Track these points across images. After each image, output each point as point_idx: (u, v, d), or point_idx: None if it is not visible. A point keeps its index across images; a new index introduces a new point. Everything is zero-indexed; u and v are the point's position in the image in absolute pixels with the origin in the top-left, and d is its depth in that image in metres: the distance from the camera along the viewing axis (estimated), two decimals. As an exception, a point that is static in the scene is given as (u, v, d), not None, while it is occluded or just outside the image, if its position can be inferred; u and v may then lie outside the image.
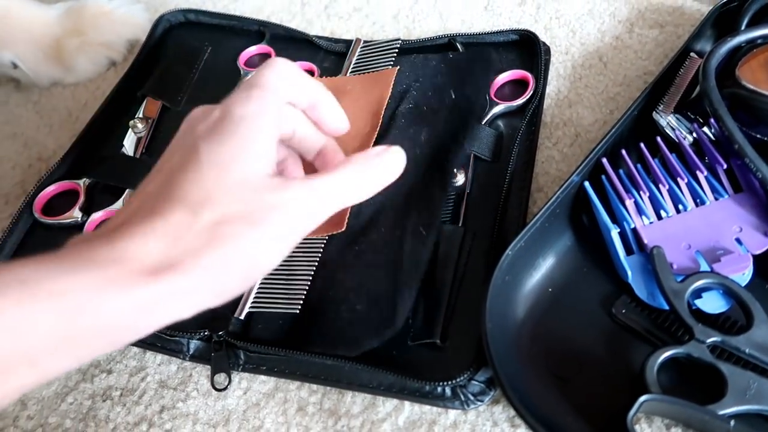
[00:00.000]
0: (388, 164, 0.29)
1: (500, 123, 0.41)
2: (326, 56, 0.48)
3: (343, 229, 0.35)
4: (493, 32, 0.45)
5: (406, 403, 0.32)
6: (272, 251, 0.26)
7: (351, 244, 0.35)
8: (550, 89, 0.43)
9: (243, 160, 0.26)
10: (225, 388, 0.34)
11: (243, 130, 0.26)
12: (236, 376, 0.34)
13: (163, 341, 0.35)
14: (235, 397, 0.34)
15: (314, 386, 0.33)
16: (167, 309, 0.23)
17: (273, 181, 0.26)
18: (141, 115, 0.46)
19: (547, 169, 0.39)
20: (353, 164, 0.28)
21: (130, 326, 0.23)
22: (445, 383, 0.30)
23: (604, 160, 0.34)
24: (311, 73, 0.47)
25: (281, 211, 0.25)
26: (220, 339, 0.34)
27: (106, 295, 0.22)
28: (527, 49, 0.44)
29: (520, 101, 0.41)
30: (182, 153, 0.27)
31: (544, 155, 0.40)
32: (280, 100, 0.28)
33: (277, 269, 0.36)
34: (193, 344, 0.35)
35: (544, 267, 0.33)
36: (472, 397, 0.30)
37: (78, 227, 0.40)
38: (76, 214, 0.40)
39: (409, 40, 0.46)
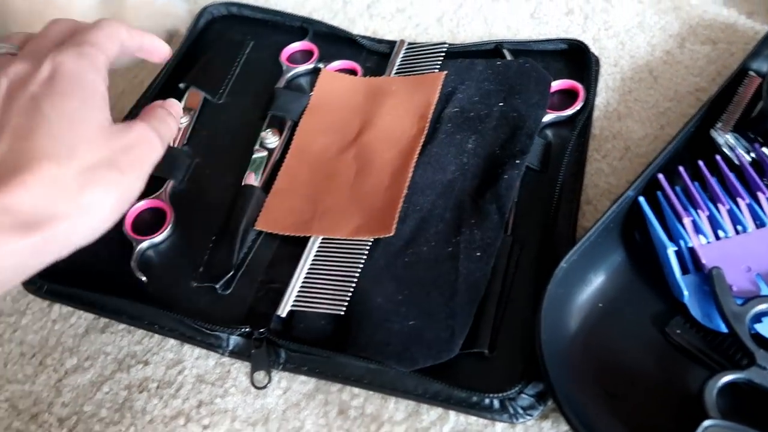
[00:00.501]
0: (173, 106, 0.35)
1: (548, 132, 0.41)
2: (369, 56, 0.47)
3: (391, 234, 0.35)
4: (542, 40, 0.45)
5: (451, 413, 0.31)
6: (137, 185, 0.30)
7: (399, 252, 0.35)
8: (599, 101, 0.43)
9: (91, 112, 0.29)
10: (264, 387, 0.33)
11: (83, 84, 0.29)
12: (276, 375, 0.34)
13: (202, 335, 0.35)
14: (274, 396, 0.33)
15: (356, 390, 0.33)
16: (49, 253, 0.27)
17: (119, 126, 0.30)
18: (183, 106, 0.45)
19: (596, 182, 0.39)
20: (159, 106, 0.33)
21: (15, 271, 0.26)
22: (494, 395, 0.29)
23: (661, 176, 0.34)
24: (354, 72, 0.46)
25: (137, 149, 0.30)
26: (261, 336, 0.34)
27: None
28: (575, 59, 0.44)
29: (569, 112, 0.40)
30: (22, 112, 0.28)
31: (593, 168, 0.39)
32: (109, 56, 0.31)
33: (319, 269, 0.36)
34: (233, 340, 0.35)
35: (595, 282, 0.33)
36: (521, 411, 0.30)
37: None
38: None
39: (454, 44, 0.46)
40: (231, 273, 0.36)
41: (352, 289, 0.34)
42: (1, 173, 0.26)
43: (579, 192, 0.37)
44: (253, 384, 0.33)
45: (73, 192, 0.27)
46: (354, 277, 0.34)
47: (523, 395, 0.30)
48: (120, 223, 0.38)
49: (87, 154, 0.28)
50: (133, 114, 0.45)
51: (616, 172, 0.39)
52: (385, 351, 0.31)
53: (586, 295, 0.32)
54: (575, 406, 0.27)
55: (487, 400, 0.30)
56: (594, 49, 0.46)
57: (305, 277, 0.35)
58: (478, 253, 0.33)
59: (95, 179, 0.28)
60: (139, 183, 0.30)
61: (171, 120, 0.34)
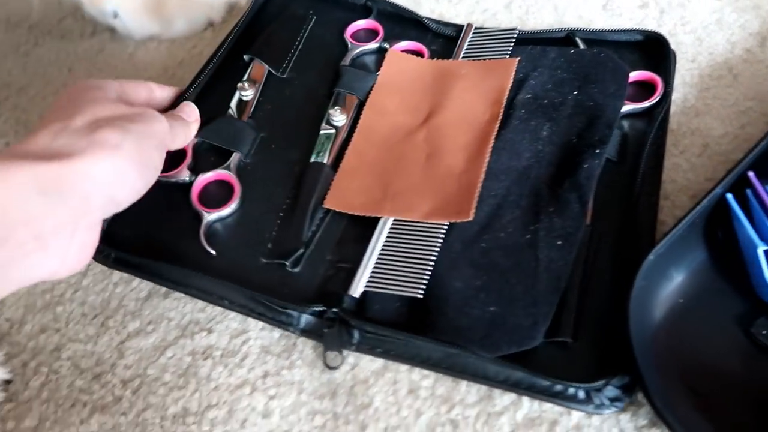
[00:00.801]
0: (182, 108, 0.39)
1: (624, 123, 0.40)
2: (434, 39, 0.47)
3: (470, 218, 0.34)
4: (616, 30, 0.44)
5: (525, 399, 0.31)
6: (149, 140, 0.32)
7: (476, 237, 0.34)
8: (677, 96, 0.42)
9: (96, 91, 0.33)
10: (337, 367, 0.33)
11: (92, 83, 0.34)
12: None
13: (273, 312, 0.34)
14: (342, 371, 0.33)
15: (426, 371, 0.32)
16: (72, 185, 0.28)
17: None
18: (247, 78, 0.45)
19: (674, 177, 0.38)
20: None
21: (41, 197, 0.27)
22: (579, 385, 0.29)
23: (752, 174, 0.33)
24: (420, 54, 0.45)
25: (141, 114, 0.32)
26: (335, 316, 0.33)
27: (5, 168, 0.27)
28: (651, 51, 0.43)
29: (647, 104, 0.39)
30: None
31: (670, 162, 0.38)
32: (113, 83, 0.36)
33: (393, 250, 0.35)
34: (305, 318, 0.34)
35: (676, 278, 0.32)
36: (607, 402, 0.29)
37: (186, 186, 0.39)
38: (184, 173, 0.39)
39: (524, 31, 0.45)
40: (301, 250, 0.36)
41: (429, 272, 0.33)
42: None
43: (659, 185, 0.36)
44: (326, 364, 0.33)
45: (83, 134, 0.29)
46: (431, 260, 0.34)
47: (610, 386, 0.29)
48: (187, 195, 0.38)
49: (92, 112, 0.30)
50: (194, 85, 0.43)
51: (694, 168, 0.38)
52: (467, 336, 0.30)
53: (667, 290, 0.31)
54: (663, 400, 0.27)
55: (571, 390, 0.29)
56: (670, 43, 0.45)
57: (378, 258, 0.35)
58: (559, 242, 0.33)
59: (104, 124, 0.30)
60: (150, 141, 0.32)
61: (178, 118, 0.38)
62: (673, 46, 0.44)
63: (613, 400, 0.29)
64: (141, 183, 0.32)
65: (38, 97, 0.49)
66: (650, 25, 0.46)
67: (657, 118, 0.38)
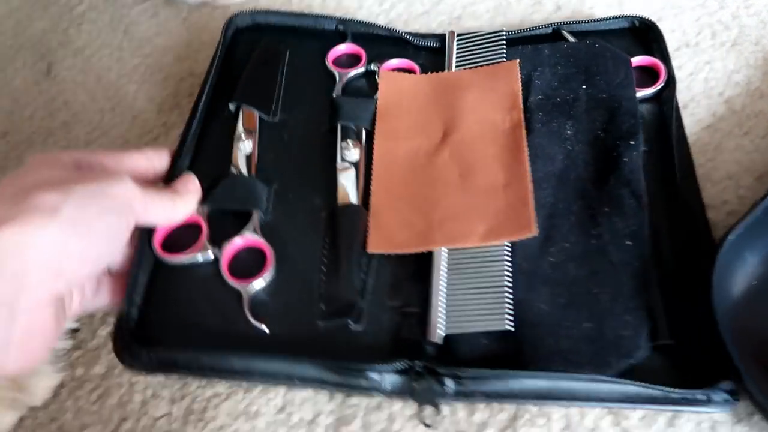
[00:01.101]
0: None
1: (641, 110, 0.38)
2: (417, 53, 0.43)
3: (535, 233, 0.32)
4: (602, 19, 0.43)
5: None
6: (99, 202, 0.28)
7: (540, 253, 0.32)
8: (739, 78, 0.42)
9: (43, 160, 0.30)
10: (431, 425, 0.29)
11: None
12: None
13: (351, 378, 0.29)
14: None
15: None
16: (5, 257, 0.24)
17: None
18: (243, 127, 0.40)
19: (738, 158, 0.38)
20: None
21: None
22: (699, 389, 0.28)
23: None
24: (412, 71, 0.42)
25: (97, 175, 0.29)
26: (422, 369, 0.29)
27: None
28: (640, 36, 0.42)
29: (654, 89, 0.39)
30: None
31: (733, 143, 0.38)
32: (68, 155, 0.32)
33: (460, 283, 0.32)
34: (389, 378, 0.29)
35: (751, 260, 0.32)
36: (728, 397, 0.28)
37: (212, 263, 0.34)
38: (204, 248, 0.34)
39: (510, 31, 0.43)
40: (359, 303, 0.32)
41: (510, 300, 0.30)
42: None
43: (693, 166, 0.36)
44: (424, 423, 0.29)
45: (15, 201, 0.26)
46: (507, 286, 0.31)
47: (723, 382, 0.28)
48: (216, 271, 0.33)
49: (29, 177, 0.27)
50: (184, 144, 0.38)
51: (759, 149, 0.38)
52: (575, 360, 0.28)
53: (742, 272, 0.31)
54: (749, 380, 0.27)
55: (689, 395, 0.28)
56: (733, 25, 0.44)
57: (448, 295, 0.31)
58: (628, 242, 0.32)
59: (41, 187, 0.26)
60: (101, 202, 0.27)
61: (164, 190, 0.34)
62: (736, 29, 0.44)
63: (731, 393, 0.28)
64: (93, 251, 0.27)
65: (94, 58, 0.50)
66: (712, 7, 0.46)
67: (670, 100, 0.38)
